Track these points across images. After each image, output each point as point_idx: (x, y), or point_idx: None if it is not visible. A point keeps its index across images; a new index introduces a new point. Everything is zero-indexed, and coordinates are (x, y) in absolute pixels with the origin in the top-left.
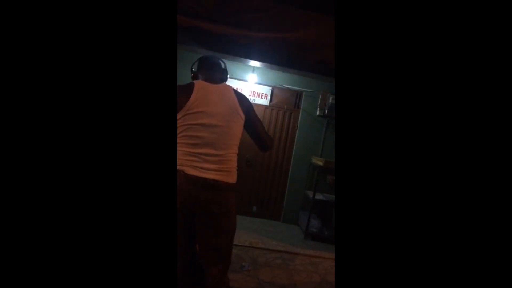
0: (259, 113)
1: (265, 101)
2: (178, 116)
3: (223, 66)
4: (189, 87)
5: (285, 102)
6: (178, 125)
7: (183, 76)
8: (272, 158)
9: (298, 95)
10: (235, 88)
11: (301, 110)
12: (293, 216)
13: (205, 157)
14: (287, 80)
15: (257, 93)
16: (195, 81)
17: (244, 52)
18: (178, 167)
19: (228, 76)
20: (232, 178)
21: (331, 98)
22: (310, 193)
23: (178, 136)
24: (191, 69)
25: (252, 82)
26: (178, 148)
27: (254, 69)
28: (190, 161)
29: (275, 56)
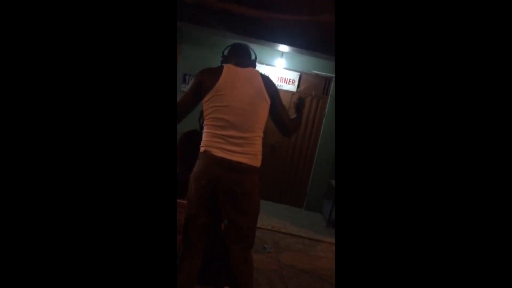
0: (286, 99)
1: (292, 87)
2: (206, 97)
3: (253, 54)
4: (218, 70)
5: (313, 89)
6: (205, 107)
7: (215, 61)
8: (297, 145)
9: (327, 81)
10: (261, 72)
11: (329, 97)
12: (316, 204)
13: (230, 139)
14: (316, 65)
15: (285, 78)
16: (224, 65)
17: (273, 35)
18: (205, 148)
19: (256, 63)
20: (256, 162)
21: None
22: (334, 182)
23: (205, 118)
24: (222, 53)
25: (280, 67)
26: (205, 130)
27: (282, 54)
28: (216, 143)
29: (304, 40)
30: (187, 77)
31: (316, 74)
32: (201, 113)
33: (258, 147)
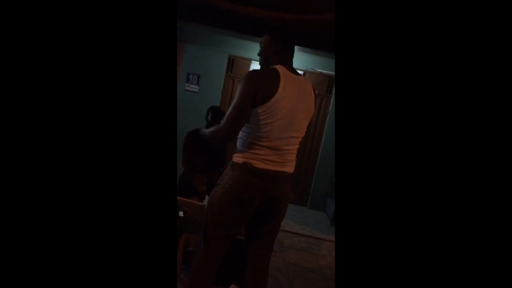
0: None
1: None
2: (263, 108)
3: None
4: (274, 75)
5: (317, 87)
6: (256, 116)
7: (219, 61)
8: (301, 144)
9: (330, 79)
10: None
11: (333, 96)
12: (320, 203)
13: (274, 150)
14: (319, 64)
15: None
16: (276, 67)
17: None
18: (244, 159)
19: None
20: (293, 168)
21: None
22: None
23: (250, 123)
24: (260, 45)
25: None
26: (247, 138)
27: None
28: (258, 155)
29: (307, 39)
30: (190, 76)
31: (320, 72)
32: (209, 110)
33: (295, 156)
